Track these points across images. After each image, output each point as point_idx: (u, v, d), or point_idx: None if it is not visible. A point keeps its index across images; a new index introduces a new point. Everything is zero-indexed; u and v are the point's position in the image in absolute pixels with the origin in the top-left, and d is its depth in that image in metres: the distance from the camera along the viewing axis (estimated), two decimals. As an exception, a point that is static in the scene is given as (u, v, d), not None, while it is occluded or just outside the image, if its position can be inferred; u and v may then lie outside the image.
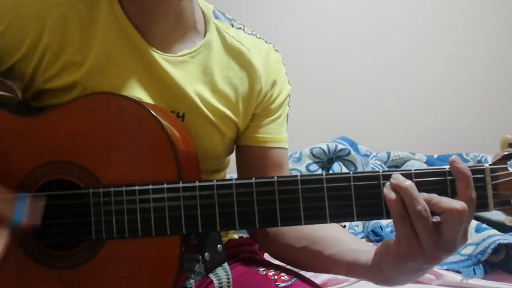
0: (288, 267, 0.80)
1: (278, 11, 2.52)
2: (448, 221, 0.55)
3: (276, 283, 0.72)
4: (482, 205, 0.58)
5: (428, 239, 0.56)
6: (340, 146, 1.89)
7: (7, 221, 0.59)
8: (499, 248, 1.21)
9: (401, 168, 2.04)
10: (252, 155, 0.84)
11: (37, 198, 0.62)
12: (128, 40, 0.74)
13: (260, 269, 0.78)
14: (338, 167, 1.84)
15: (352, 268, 0.68)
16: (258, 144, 0.83)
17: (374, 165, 1.98)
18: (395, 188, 0.57)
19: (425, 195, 0.57)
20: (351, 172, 0.59)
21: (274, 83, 0.84)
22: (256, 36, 0.86)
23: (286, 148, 0.86)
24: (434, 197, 0.57)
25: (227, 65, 0.81)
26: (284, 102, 0.86)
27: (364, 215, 0.59)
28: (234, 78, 0.80)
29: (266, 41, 0.87)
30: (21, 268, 0.65)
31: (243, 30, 0.85)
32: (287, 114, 0.88)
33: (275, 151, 0.84)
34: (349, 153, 1.88)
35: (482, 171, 0.58)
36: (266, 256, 0.92)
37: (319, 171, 1.87)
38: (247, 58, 0.81)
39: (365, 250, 0.68)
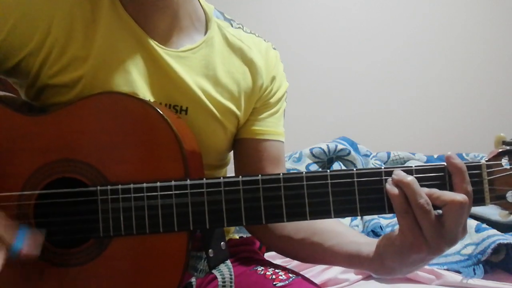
0: (287, 266, 0.81)
1: (278, 11, 2.53)
2: (450, 213, 0.58)
3: (274, 283, 0.73)
4: (479, 199, 0.60)
5: (431, 231, 0.58)
6: (340, 146, 1.88)
7: (6, 247, 0.57)
8: (499, 248, 1.20)
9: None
10: (250, 147, 0.85)
11: (37, 230, 0.62)
12: (130, 35, 0.75)
13: (259, 269, 0.78)
14: (338, 167, 1.83)
15: (353, 260, 0.70)
16: (255, 136, 0.84)
17: (374, 165, 1.97)
18: (398, 184, 0.59)
19: (426, 189, 0.59)
20: (355, 169, 0.61)
21: (273, 79, 0.86)
22: (255, 35, 0.88)
23: (282, 142, 0.87)
24: (435, 191, 0.59)
25: (229, 61, 0.82)
26: (282, 97, 0.88)
27: (367, 210, 0.61)
28: (236, 73, 0.82)
29: (264, 40, 0.89)
30: (28, 265, 0.66)
31: (242, 29, 0.87)
32: (284, 110, 0.90)
33: (272, 144, 0.85)
34: (349, 153, 1.88)
35: (479, 166, 0.61)
36: (266, 256, 0.93)
37: (319, 171, 1.86)
38: (248, 54, 0.83)
39: (367, 243, 0.69)
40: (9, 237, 0.58)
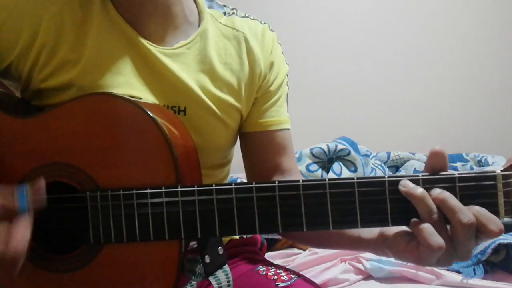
0: (288, 267, 0.80)
1: (278, 11, 2.51)
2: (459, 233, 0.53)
3: (276, 283, 0.72)
4: (492, 213, 0.54)
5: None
6: (340, 146, 1.88)
7: (13, 212, 0.56)
8: (499, 248, 1.20)
9: (401, 168, 2.05)
10: (255, 140, 0.84)
11: (34, 182, 0.58)
12: (122, 36, 0.73)
13: (260, 269, 0.78)
14: (338, 167, 1.83)
15: (355, 242, 0.69)
16: (260, 129, 0.84)
17: (374, 165, 1.97)
18: (407, 196, 0.55)
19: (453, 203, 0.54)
20: (355, 178, 0.56)
21: (271, 65, 0.84)
22: (250, 18, 0.86)
23: (288, 129, 0.86)
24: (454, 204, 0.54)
25: (225, 52, 0.80)
26: (282, 83, 0.86)
27: (369, 222, 0.57)
28: (233, 64, 0.80)
29: (260, 22, 0.87)
30: (20, 270, 0.64)
31: (236, 14, 0.84)
32: (287, 94, 0.88)
33: (277, 134, 0.84)
34: (349, 153, 1.87)
35: (494, 177, 0.54)
36: (266, 256, 0.92)
37: (319, 171, 1.85)
38: (243, 43, 0.81)
39: (368, 231, 0.68)
40: (11, 203, 0.56)
